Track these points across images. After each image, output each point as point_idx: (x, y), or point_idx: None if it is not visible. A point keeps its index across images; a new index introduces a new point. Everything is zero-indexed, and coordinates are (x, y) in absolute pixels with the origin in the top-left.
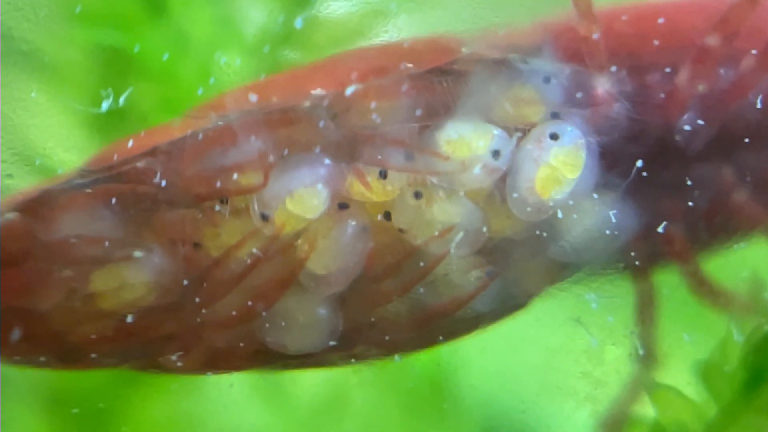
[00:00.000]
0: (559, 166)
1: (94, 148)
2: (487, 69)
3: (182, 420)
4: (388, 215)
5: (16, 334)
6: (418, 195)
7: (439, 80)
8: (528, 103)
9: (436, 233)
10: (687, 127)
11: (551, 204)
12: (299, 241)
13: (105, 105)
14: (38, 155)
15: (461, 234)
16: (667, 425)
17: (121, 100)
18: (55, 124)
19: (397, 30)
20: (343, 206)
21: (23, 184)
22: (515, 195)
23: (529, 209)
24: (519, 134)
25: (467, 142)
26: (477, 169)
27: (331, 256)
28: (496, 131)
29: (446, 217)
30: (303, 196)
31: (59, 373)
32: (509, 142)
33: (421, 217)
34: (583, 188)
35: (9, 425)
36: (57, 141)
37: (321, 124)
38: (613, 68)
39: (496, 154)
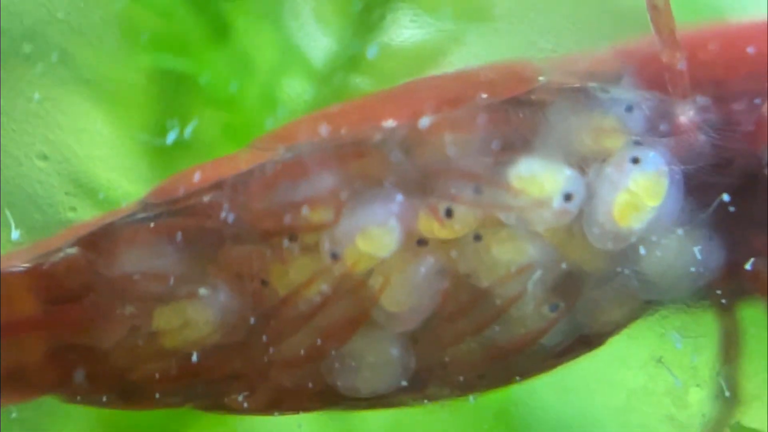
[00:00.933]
0: (639, 192)
1: (158, 178)
2: (565, 98)
3: None
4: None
5: (78, 372)
6: (477, 237)
7: (516, 111)
8: (608, 133)
9: (509, 273)
10: None
11: (630, 233)
12: (371, 278)
13: (171, 136)
14: (102, 188)
15: (538, 273)
16: None
17: (187, 131)
18: (118, 154)
19: (472, 58)
20: (421, 243)
21: (87, 216)
22: (592, 222)
23: (606, 238)
24: (598, 165)
25: (539, 181)
26: (547, 210)
27: (405, 293)
28: (569, 172)
29: (514, 257)
30: (374, 234)
31: (119, 412)
32: (583, 183)
33: (482, 260)
34: (666, 220)
35: None
36: (121, 172)
37: (393, 157)
38: (698, 96)
39: (568, 196)
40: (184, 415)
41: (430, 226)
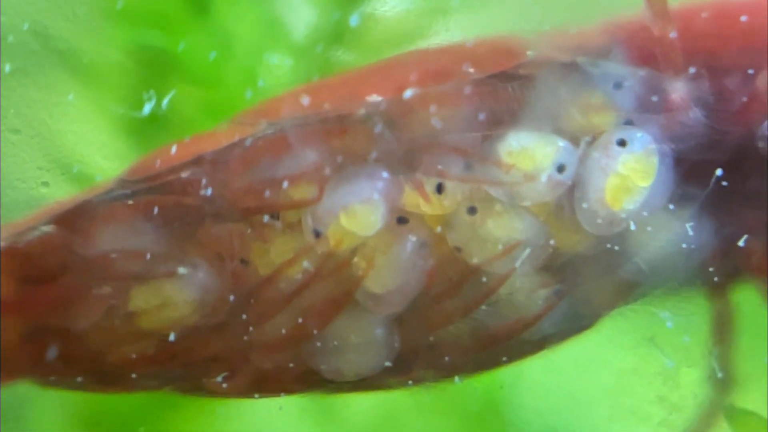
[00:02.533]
0: (629, 174)
1: (135, 155)
2: (554, 73)
3: None
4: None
5: (52, 352)
6: (472, 210)
7: (504, 85)
8: (598, 109)
9: (498, 250)
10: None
11: (623, 216)
12: (355, 258)
13: (147, 108)
14: (76, 162)
15: (527, 251)
16: None
17: (164, 103)
18: (93, 129)
19: (458, 29)
20: (402, 220)
21: (60, 192)
22: (584, 207)
23: (599, 222)
24: (587, 143)
25: (530, 153)
26: (540, 183)
27: (390, 274)
28: (561, 143)
29: (506, 233)
30: (358, 212)
31: (97, 396)
32: (575, 154)
33: (476, 234)
34: (658, 199)
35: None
36: (96, 147)
37: (378, 133)
38: (690, 71)
39: (561, 167)
40: (164, 402)
41: (417, 202)
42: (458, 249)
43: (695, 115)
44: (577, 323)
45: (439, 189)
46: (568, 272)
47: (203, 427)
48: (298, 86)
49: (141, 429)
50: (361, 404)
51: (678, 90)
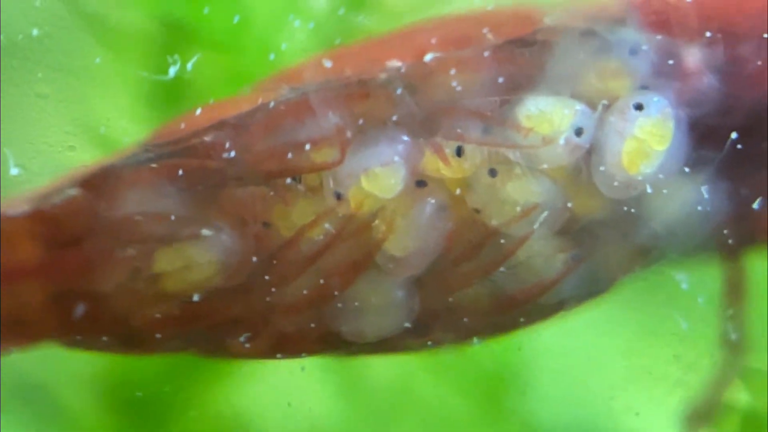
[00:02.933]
0: (645, 138)
1: (160, 119)
2: (571, 40)
3: (251, 404)
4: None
5: (78, 314)
6: (493, 173)
7: (521, 51)
8: (614, 75)
9: (517, 213)
10: None
11: (640, 179)
12: (376, 221)
13: (172, 72)
14: (102, 125)
15: (545, 214)
16: (763, 412)
17: (188, 67)
18: (119, 93)
19: None
20: (421, 183)
21: (86, 156)
22: (601, 170)
23: (616, 185)
24: (604, 108)
25: (548, 117)
26: (558, 146)
27: (410, 237)
28: (579, 107)
29: (524, 196)
30: (379, 174)
31: (122, 358)
32: (593, 117)
33: (497, 196)
34: (674, 163)
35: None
36: (121, 111)
37: (398, 97)
38: (705, 36)
39: (579, 131)
40: (188, 364)
41: (436, 166)
42: (477, 211)
43: (710, 80)
44: (594, 287)
45: (459, 152)
46: (586, 237)
47: (226, 387)
48: (319, 52)
49: (166, 388)
50: (381, 365)
51: (693, 55)
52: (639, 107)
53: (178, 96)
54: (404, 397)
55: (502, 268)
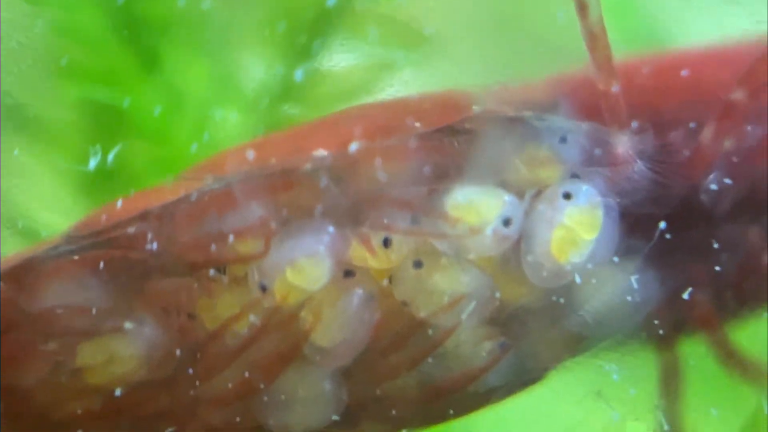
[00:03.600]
0: (574, 227)
1: (82, 211)
2: (499, 127)
3: None
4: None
5: None
6: (418, 264)
7: (449, 140)
8: (543, 163)
9: (445, 303)
10: (713, 187)
11: (568, 268)
12: (302, 312)
13: (93, 163)
14: (21, 217)
15: (473, 304)
16: None
17: (110, 157)
18: (39, 184)
19: (403, 85)
20: (349, 274)
21: (4, 248)
22: (530, 259)
23: (545, 274)
24: (531, 197)
25: (476, 207)
26: (486, 237)
27: (337, 328)
28: (507, 197)
29: (452, 286)
30: (304, 266)
31: None
32: (521, 207)
33: (423, 287)
34: (603, 252)
35: None
36: (41, 203)
37: (324, 187)
38: (634, 125)
39: (506, 221)
40: None
41: (363, 257)
42: (405, 303)
43: (639, 168)
44: (523, 376)
45: (386, 243)
46: (514, 325)
47: None
48: (245, 141)
49: None
50: None
51: (622, 144)
52: (567, 196)
53: (102, 186)
54: None
55: (429, 359)
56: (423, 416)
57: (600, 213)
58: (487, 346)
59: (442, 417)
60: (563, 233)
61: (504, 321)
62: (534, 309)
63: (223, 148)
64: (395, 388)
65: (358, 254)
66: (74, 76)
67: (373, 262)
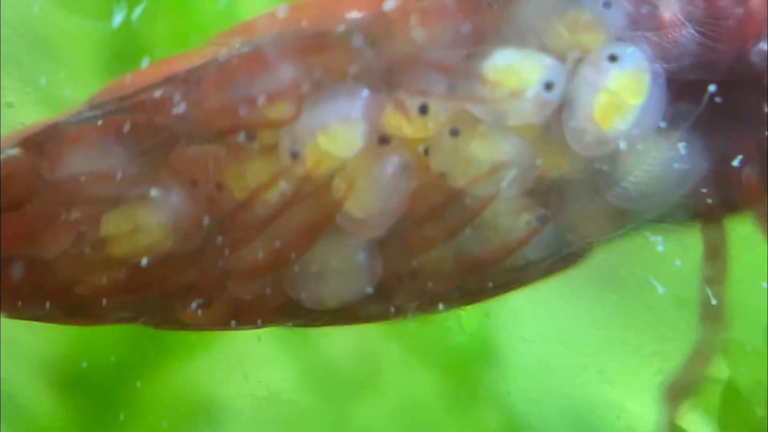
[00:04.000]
0: (619, 91)
1: (106, 76)
2: None
3: (204, 375)
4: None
5: (21, 278)
6: (455, 132)
7: (488, 2)
8: (586, 28)
9: (483, 172)
10: (765, 48)
11: (612, 135)
12: (335, 180)
13: (117, 19)
14: (42, 77)
15: (512, 173)
16: (743, 385)
17: (135, 14)
18: (61, 45)
19: None
20: (383, 141)
21: (25, 112)
22: (572, 125)
23: (587, 141)
24: (575, 61)
25: (516, 71)
26: (526, 101)
27: (372, 197)
28: (549, 60)
29: (490, 155)
30: (337, 131)
31: (66, 328)
32: (563, 71)
33: (460, 156)
34: (649, 119)
35: (10, 383)
36: (63, 65)
37: (358, 50)
38: None
39: (548, 86)
40: (140, 333)
41: (398, 123)
42: (442, 174)
43: (688, 32)
44: (564, 250)
45: (423, 110)
46: (554, 196)
47: (177, 357)
48: (275, 5)
49: (113, 358)
50: (342, 334)
51: (669, 6)
52: (613, 59)
53: (126, 50)
54: (367, 368)
55: (467, 228)
56: (459, 291)
57: (647, 77)
58: (526, 217)
59: (479, 292)
60: (608, 98)
61: (544, 192)
62: (576, 179)
63: (252, 12)
64: (431, 260)
65: (393, 121)
66: None
67: (408, 130)
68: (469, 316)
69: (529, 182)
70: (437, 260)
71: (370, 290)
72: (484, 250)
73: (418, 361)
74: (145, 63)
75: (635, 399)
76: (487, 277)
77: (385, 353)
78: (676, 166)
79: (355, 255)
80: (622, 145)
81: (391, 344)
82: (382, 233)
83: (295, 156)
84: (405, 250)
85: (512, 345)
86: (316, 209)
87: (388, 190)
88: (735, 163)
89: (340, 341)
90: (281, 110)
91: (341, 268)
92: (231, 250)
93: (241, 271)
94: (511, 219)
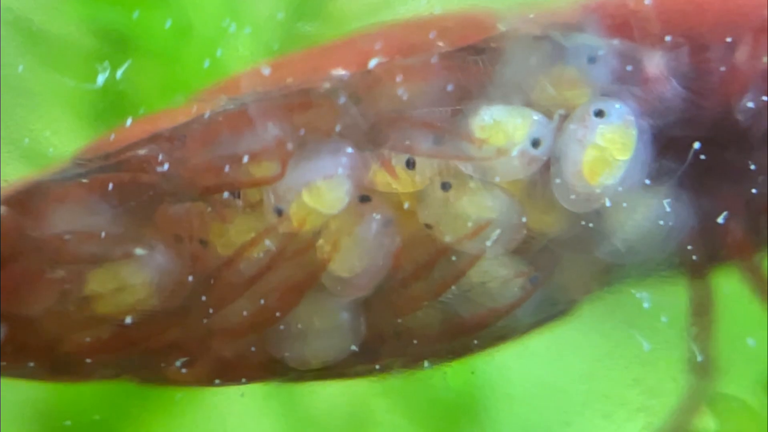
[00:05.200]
0: (607, 146)
1: (90, 134)
2: (525, 46)
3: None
4: (414, 209)
5: (5, 346)
6: (446, 186)
7: (474, 59)
8: (571, 84)
9: (468, 228)
10: (750, 105)
11: (599, 191)
12: (320, 240)
13: (100, 80)
14: (25, 137)
15: (497, 231)
16: None
17: (118, 74)
18: (47, 104)
19: (426, 2)
20: (364, 199)
21: (7, 170)
22: (560, 182)
23: (575, 197)
24: (561, 117)
25: (504, 128)
26: (514, 158)
27: (357, 256)
28: (536, 116)
29: (479, 211)
30: (322, 188)
31: (52, 386)
32: (550, 128)
33: (450, 211)
34: (635, 174)
35: None
36: (49, 123)
37: (343, 107)
38: (667, 41)
39: (535, 142)
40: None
41: (385, 180)
42: (429, 226)
43: (673, 87)
44: (552, 310)
45: (410, 164)
46: (544, 258)
47: (161, 415)
48: (259, 61)
49: (97, 416)
50: (327, 391)
51: (654, 61)
52: (600, 114)
53: (111, 107)
54: (352, 425)
55: (455, 291)
56: (446, 350)
57: (634, 132)
58: (517, 280)
59: (465, 351)
60: (596, 153)
61: (535, 254)
62: (563, 238)
63: (236, 68)
64: (417, 321)
65: (381, 177)
66: None
67: (397, 185)
68: (454, 372)
69: (516, 241)
70: (424, 322)
71: (354, 349)
72: (472, 313)
73: (404, 417)
74: (129, 121)
75: None
76: (474, 338)
77: (370, 410)
78: (661, 222)
79: (339, 315)
80: (608, 202)
81: (377, 400)
82: (367, 293)
83: (280, 213)
84: (390, 309)
85: (498, 402)
86: (301, 268)
87: (373, 248)
88: (721, 219)
89: (325, 397)
90: (266, 168)
91: (325, 328)
92: (215, 309)
93: (225, 329)
94: (502, 282)
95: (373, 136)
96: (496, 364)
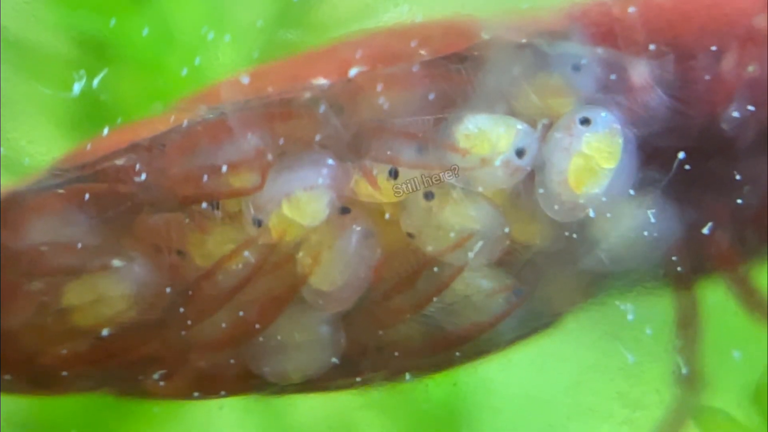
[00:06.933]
0: (593, 155)
1: (67, 143)
2: (509, 54)
3: None
4: (396, 220)
5: None
6: (429, 196)
7: (457, 67)
8: (555, 92)
9: (451, 239)
10: (735, 114)
11: (583, 201)
12: (300, 252)
13: (77, 88)
14: (2, 146)
15: (480, 243)
16: None
17: (95, 82)
18: (21, 112)
19: (409, 10)
20: (345, 210)
21: None
22: (545, 191)
23: (559, 207)
24: (545, 127)
25: (488, 137)
26: (498, 168)
27: (338, 270)
28: (520, 126)
29: (462, 222)
30: (302, 199)
31: (29, 399)
32: (535, 137)
33: (433, 221)
34: (620, 183)
35: None
36: (23, 132)
37: (323, 117)
38: (652, 50)
39: (520, 152)
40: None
41: (367, 191)
42: (411, 235)
43: (658, 96)
44: (536, 323)
45: (394, 174)
46: (528, 270)
47: (139, 429)
48: (239, 70)
49: (74, 430)
50: (308, 404)
51: (639, 70)
52: (585, 122)
53: (88, 116)
54: None
55: (438, 303)
56: (428, 364)
57: (620, 140)
58: (501, 293)
59: (448, 364)
60: (582, 162)
61: (516, 263)
62: (547, 249)
63: (216, 76)
64: (399, 335)
65: (363, 189)
66: (64, 5)
67: (379, 196)
68: (436, 384)
69: (499, 251)
70: (405, 335)
71: (335, 362)
72: (455, 327)
73: (386, 430)
74: (107, 130)
75: None
76: (456, 351)
77: (352, 423)
78: (646, 232)
79: (319, 328)
80: (592, 212)
81: (358, 414)
82: (348, 306)
83: (259, 224)
84: (372, 322)
85: (481, 414)
86: (281, 281)
87: (355, 262)
88: (706, 230)
89: (306, 411)
90: (246, 179)
91: (305, 341)
92: (193, 321)
93: (203, 342)
94: (485, 295)
95: (354, 146)
96: (479, 376)
